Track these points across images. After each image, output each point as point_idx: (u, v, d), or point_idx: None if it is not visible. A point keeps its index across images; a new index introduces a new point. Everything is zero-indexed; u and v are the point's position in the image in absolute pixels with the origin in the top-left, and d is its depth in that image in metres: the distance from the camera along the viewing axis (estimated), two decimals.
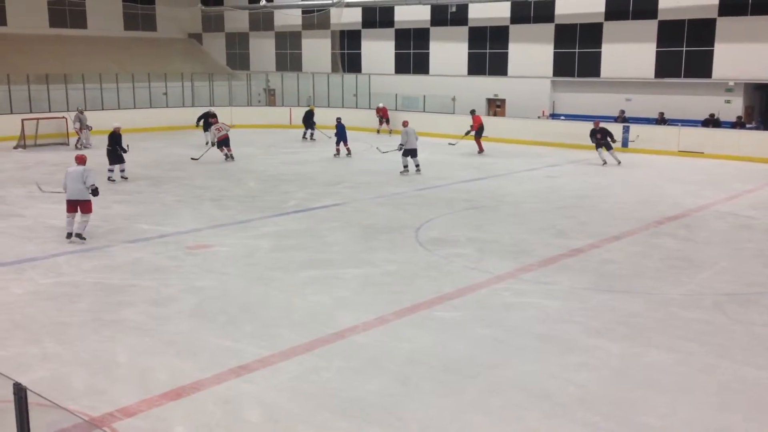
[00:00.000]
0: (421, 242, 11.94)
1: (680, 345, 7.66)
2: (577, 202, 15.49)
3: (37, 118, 24.38)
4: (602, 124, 21.35)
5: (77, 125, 24.10)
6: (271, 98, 35.57)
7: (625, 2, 25.36)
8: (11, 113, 26.13)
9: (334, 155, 22.15)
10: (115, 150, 17.39)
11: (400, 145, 18.77)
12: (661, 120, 24.22)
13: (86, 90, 28.88)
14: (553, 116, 27.29)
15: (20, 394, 3.70)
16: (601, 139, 20.90)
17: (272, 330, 8.08)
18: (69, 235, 11.88)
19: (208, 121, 23.61)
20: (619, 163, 20.66)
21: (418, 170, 18.81)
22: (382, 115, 29.01)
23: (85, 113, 24.66)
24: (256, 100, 35.19)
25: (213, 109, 25.73)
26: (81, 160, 12.20)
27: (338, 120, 22.43)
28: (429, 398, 6.47)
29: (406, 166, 18.80)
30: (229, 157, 21.02)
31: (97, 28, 34.98)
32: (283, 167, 20.24)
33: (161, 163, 20.63)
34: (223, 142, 21.03)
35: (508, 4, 27.86)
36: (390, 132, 28.35)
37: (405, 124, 19.18)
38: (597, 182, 18.21)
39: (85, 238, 11.85)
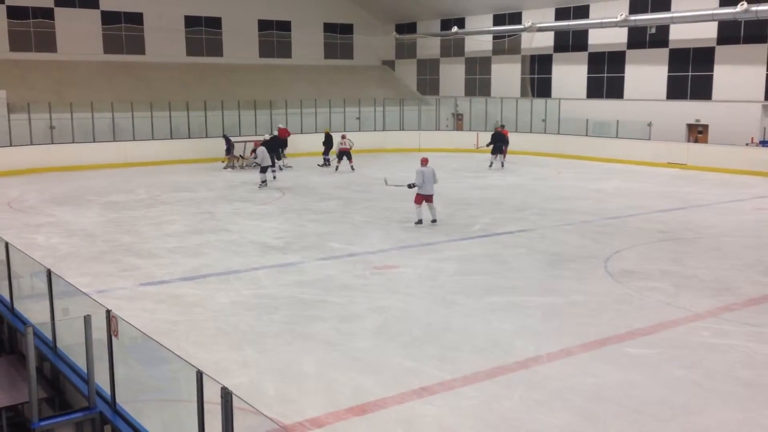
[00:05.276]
0: (611, 273, 11.41)
1: None
2: None
3: (245, 141, 26.49)
4: None
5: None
6: (458, 123, 35.92)
7: None
8: (222, 136, 28.61)
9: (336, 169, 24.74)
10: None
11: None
12: None
13: (288, 114, 30.99)
14: (764, 143, 24.97)
15: (227, 398, 4.00)
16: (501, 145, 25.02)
17: (454, 354, 8.09)
18: (420, 222, 15.09)
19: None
20: (503, 166, 24.79)
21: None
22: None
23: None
24: (444, 125, 35.72)
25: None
26: (425, 162, 15.34)
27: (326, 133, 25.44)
28: None
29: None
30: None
31: (301, 57, 37.51)
32: (469, 191, 20.32)
33: (351, 184, 21.54)
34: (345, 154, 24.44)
35: (715, 24, 26.03)
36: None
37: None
38: None
39: (436, 220, 15.26)
